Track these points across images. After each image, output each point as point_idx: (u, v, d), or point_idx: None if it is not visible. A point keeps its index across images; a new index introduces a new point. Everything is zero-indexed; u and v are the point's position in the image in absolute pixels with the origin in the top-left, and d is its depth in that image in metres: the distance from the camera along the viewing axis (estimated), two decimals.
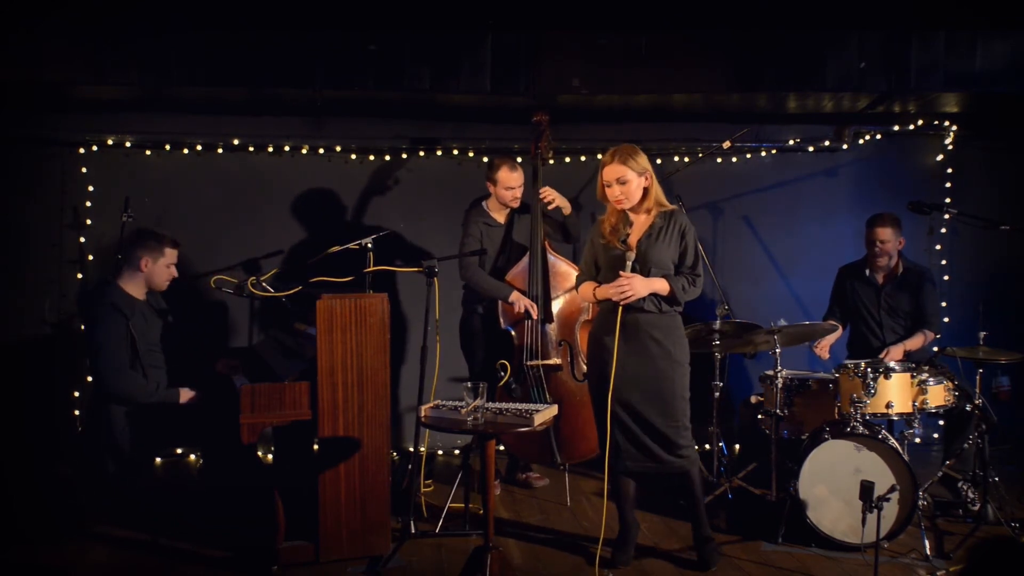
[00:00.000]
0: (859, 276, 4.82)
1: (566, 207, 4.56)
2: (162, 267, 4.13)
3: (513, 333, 4.48)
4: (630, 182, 3.54)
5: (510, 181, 4.46)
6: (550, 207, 4.47)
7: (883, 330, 4.72)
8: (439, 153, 5.50)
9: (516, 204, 4.55)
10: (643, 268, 3.54)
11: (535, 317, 4.39)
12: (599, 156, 5.51)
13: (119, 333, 3.94)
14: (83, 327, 4.15)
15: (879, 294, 4.74)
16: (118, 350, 3.92)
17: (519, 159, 4.64)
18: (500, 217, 4.61)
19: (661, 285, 3.53)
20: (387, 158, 5.48)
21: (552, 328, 4.43)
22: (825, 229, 5.64)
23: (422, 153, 5.50)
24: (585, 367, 4.35)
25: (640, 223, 3.62)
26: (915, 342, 4.63)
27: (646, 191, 3.59)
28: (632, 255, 3.52)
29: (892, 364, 4.03)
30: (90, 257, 5.30)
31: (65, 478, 4.70)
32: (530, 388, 4.39)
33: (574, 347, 4.40)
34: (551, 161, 5.07)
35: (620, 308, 3.52)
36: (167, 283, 4.19)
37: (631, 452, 3.58)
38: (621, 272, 3.50)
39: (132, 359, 3.96)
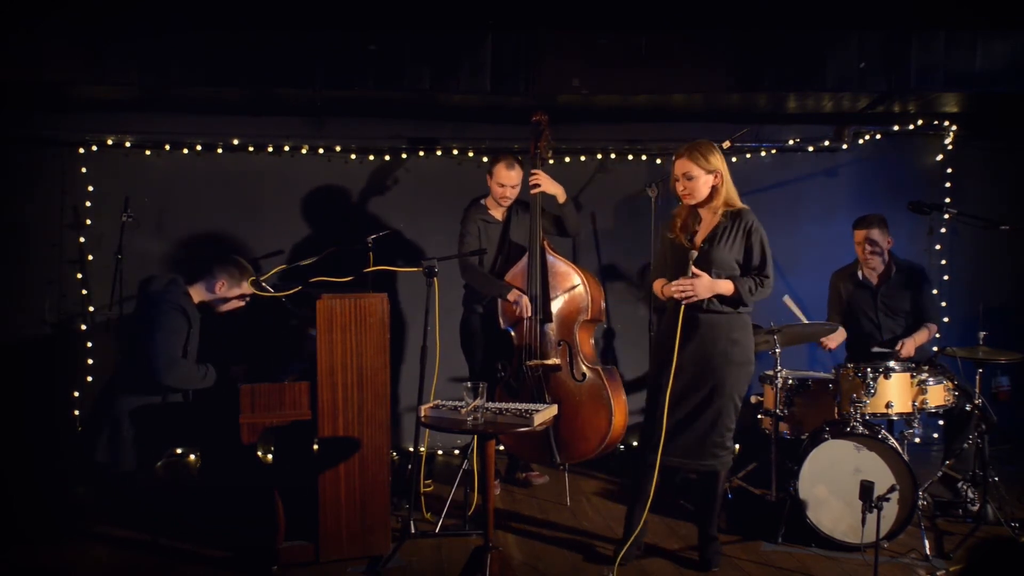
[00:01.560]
0: (852, 279, 4.82)
1: (560, 194, 4.54)
2: (233, 296, 4.13)
3: (513, 333, 4.48)
4: (696, 179, 3.52)
5: (504, 179, 4.47)
6: (533, 191, 4.44)
7: (882, 331, 4.72)
8: (439, 153, 5.50)
9: (507, 203, 4.56)
10: (705, 268, 3.51)
11: (527, 316, 4.39)
12: (599, 156, 5.57)
13: (179, 331, 3.94)
14: (135, 315, 4.09)
15: (875, 296, 4.74)
16: (174, 344, 3.92)
17: (520, 159, 4.64)
18: (498, 214, 4.61)
19: (725, 287, 3.49)
20: (387, 158, 5.49)
21: (551, 328, 4.43)
22: (825, 229, 5.64)
23: (422, 153, 5.50)
24: (584, 367, 4.35)
25: (707, 222, 3.60)
26: (923, 336, 4.65)
27: (715, 189, 3.56)
28: (694, 254, 3.50)
29: (892, 364, 4.04)
30: (90, 257, 5.30)
31: (65, 478, 4.70)
32: (531, 388, 4.39)
33: (573, 347, 4.39)
34: (551, 161, 5.06)
35: (682, 307, 3.50)
36: (226, 312, 4.18)
37: (672, 447, 3.54)
38: (694, 270, 3.47)
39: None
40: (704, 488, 3.69)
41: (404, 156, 5.50)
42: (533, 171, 4.47)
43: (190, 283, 4.07)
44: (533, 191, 4.44)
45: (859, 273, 4.79)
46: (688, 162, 3.51)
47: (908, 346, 4.55)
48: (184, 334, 3.95)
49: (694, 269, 3.47)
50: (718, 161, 3.54)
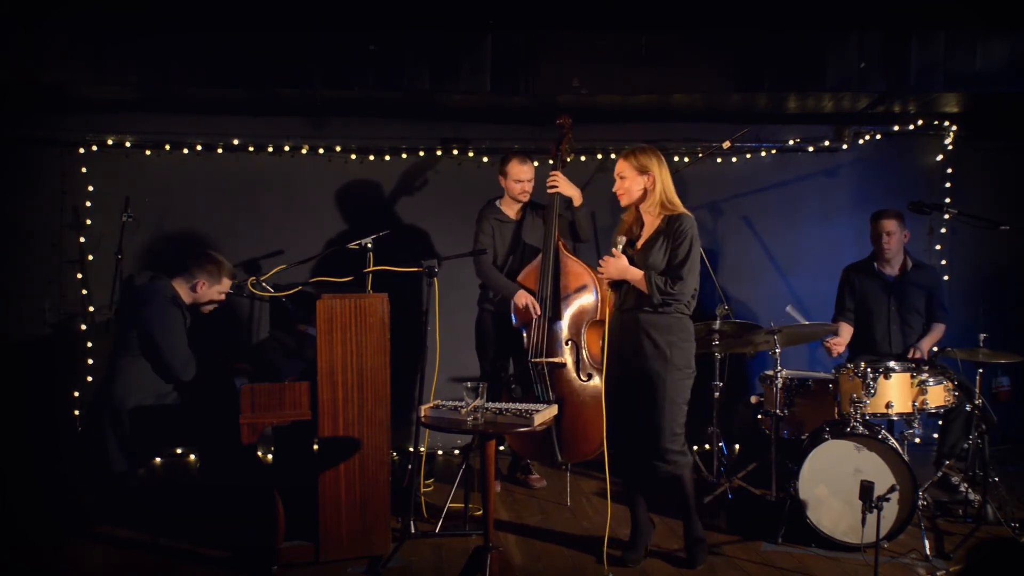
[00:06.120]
0: (868, 272, 4.80)
1: (576, 197, 4.55)
2: (214, 293, 4.16)
3: (524, 332, 4.48)
4: (626, 179, 3.60)
5: (519, 174, 4.51)
6: (550, 191, 4.47)
7: (892, 327, 4.70)
8: (439, 153, 5.50)
9: (525, 198, 4.60)
10: (640, 268, 3.56)
11: (535, 315, 4.40)
12: (599, 156, 5.57)
13: (181, 326, 3.98)
14: (128, 315, 4.06)
15: (891, 290, 4.72)
16: (183, 341, 3.96)
17: (531, 156, 4.64)
18: (512, 213, 4.64)
19: (635, 274, 3.53)
20: (387, 158, 5.49)
21: (561, 326, 4.43)
22: (825, 229, 5.64)
23: (422, 153, 5.50)
24: (591, 367, 4.36)
25: (648, 225, 3.65)
26: (936, 336, 4.68)
27: (646, 191, 3.60)
28: (621, 239, 3.58)
29: (892, 364, 4.04)
30: (90, 257, 5.30)
31: (65, 478, 4.70)
32: (533, 384, 4.39)
33: (581, 346, 4.40)
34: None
35: (613, 303, 3.60)
36: (210, 310, 4.21)
37: (635, 453, 3.57)
38: (615, 252, 3.56)
39: None
40: (676, 492, 3.67)
41: (404, 156, 5.50)
42: (552, 172, 4.51)
43: (173, 279, 4.10)
44: (550, 191, 4.48)
45: (875, 265, 4.78)
46: (622, 162, 3.62)
47: (922, 350, 4.60)
48: (183, 325, 3.97)
49: (615, 251, 3.55)
50: (653, 166, 3.58)
